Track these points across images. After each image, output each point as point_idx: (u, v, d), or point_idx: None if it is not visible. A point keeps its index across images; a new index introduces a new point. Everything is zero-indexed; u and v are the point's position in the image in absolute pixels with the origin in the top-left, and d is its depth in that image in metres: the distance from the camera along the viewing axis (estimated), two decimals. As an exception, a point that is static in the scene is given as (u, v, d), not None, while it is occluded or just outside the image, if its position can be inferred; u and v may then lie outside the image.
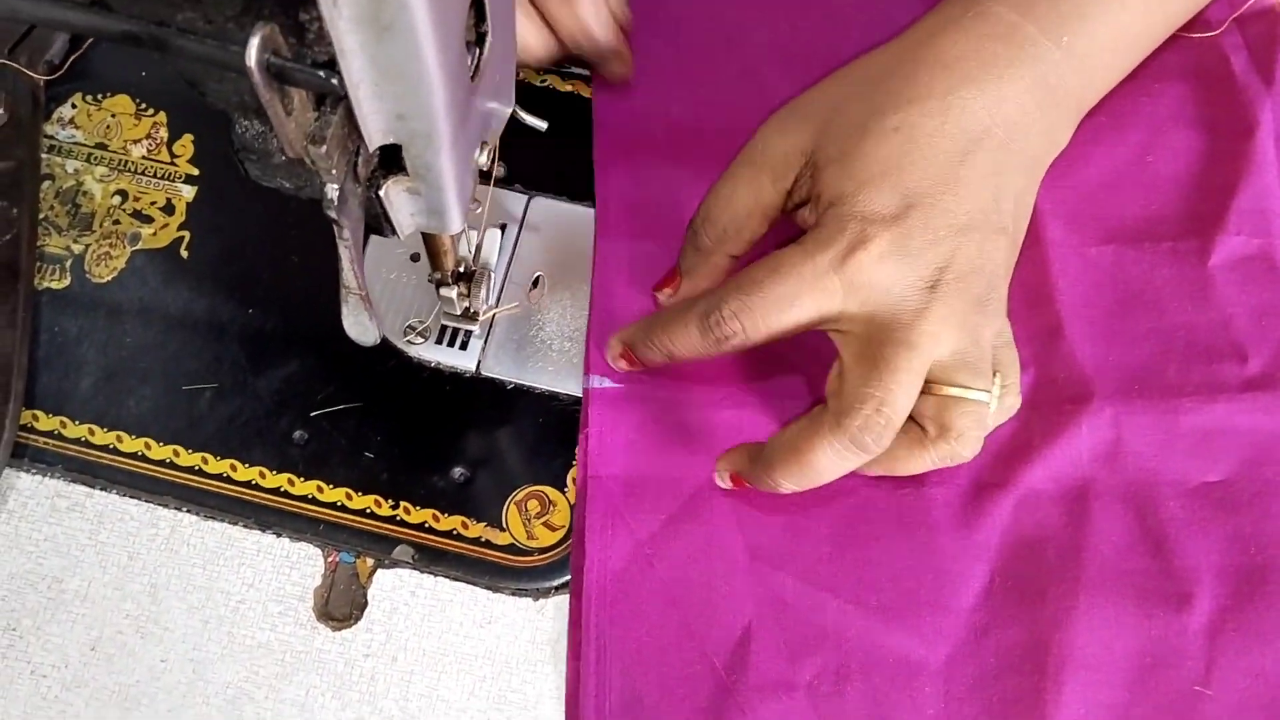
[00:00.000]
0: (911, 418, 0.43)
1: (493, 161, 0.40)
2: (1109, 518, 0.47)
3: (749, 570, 0.47)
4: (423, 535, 0.49)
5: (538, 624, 0.48)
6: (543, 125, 0.44)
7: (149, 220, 0.54)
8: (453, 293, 0.47)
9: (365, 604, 0.48)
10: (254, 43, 0.28)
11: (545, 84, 0.57)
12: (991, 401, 0.42)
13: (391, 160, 0.36)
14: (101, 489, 0.49)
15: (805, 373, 0.50)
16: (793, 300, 0.42)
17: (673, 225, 0.51)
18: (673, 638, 0.46)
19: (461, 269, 0.48)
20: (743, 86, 0.56)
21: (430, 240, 0.44)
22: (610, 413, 0.49)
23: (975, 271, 0.42)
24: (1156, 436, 0.47)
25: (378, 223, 0.38)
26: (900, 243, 0.41)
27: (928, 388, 0.42)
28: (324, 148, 0.32)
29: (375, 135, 0.33)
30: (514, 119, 0.44)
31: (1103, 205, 0.52)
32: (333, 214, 0.34)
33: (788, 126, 0.46)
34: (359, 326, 0.40)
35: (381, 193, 0.36)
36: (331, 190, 0.34)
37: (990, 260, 0.42)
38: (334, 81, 0.30)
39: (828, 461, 0.42)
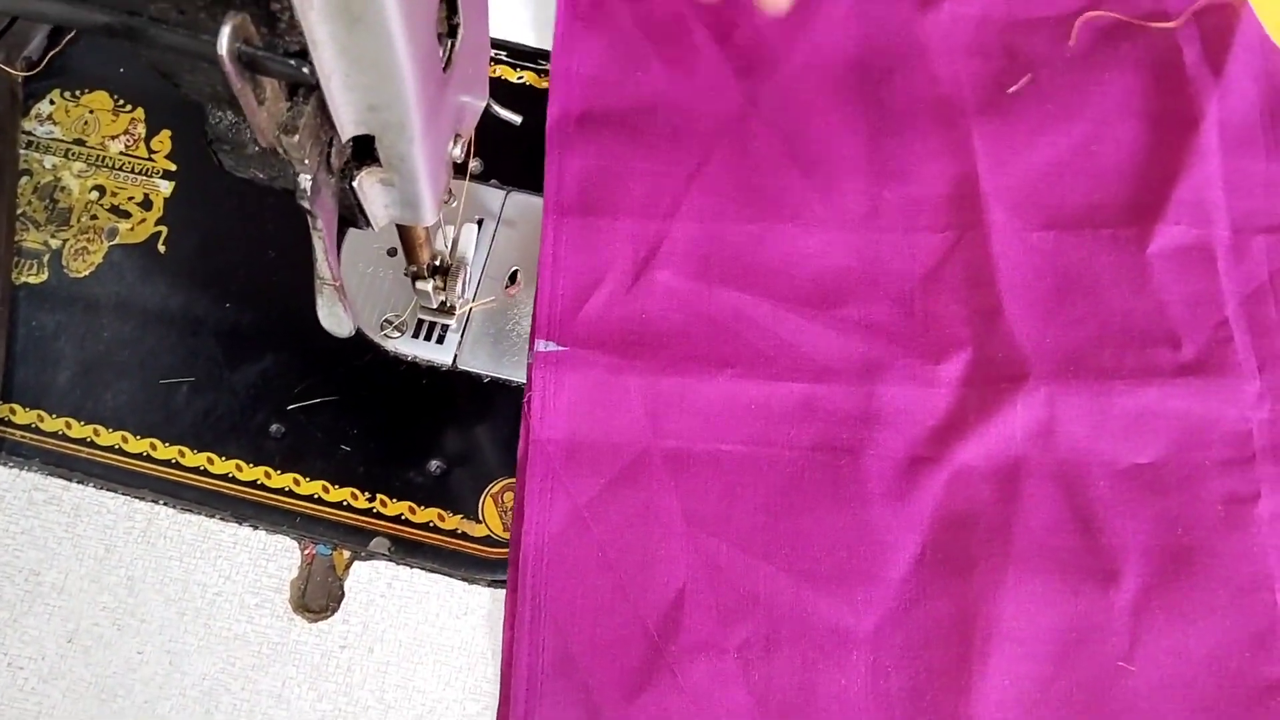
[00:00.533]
0: None
1: (468, 155, 0.41)
2: (1040, 495, 0.47)
3: (685, 535, 0.47)
4: (399, 527, 0.49)
5: (513, 615, 0.48)
6: (517, 119, 0.45)
7: (126, 215, 0.54)
8: (428, 286, 0.48)
9: (342, 595, 0.48)
10: (225, 31, 0.29)
11: (521, 80, 0.58)
12: None
13: (365, 151, 0.36)
14: (79, 482, 0.49)
15: (745, 342, 0.50)
16: None
17: (622, 200, 0.51)
18: (607, 600, 0.46)
19: (438, 262, 0.48)
20: (700, 65, 0.56)
21: (405, 233, 0.44)
22: (553, 375, 0.50)
23: None
24: (1089, 417, 0.48)
25: (352, 214, 0.39)
26: None
27: None
28: (296, 137, 0.32)
29: (348, 126, 0.34)
30: (489, 113, 0.44)
31: (1047, 192, 0.53)
32: (306, 204, 0.35)
33: None
34: (333, 318, 0.40)
35: (355, 184, 0.37)
36: (305, 180, 0.34)
37: None
38: (305, 71, 0.30)
39: None
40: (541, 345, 0.50)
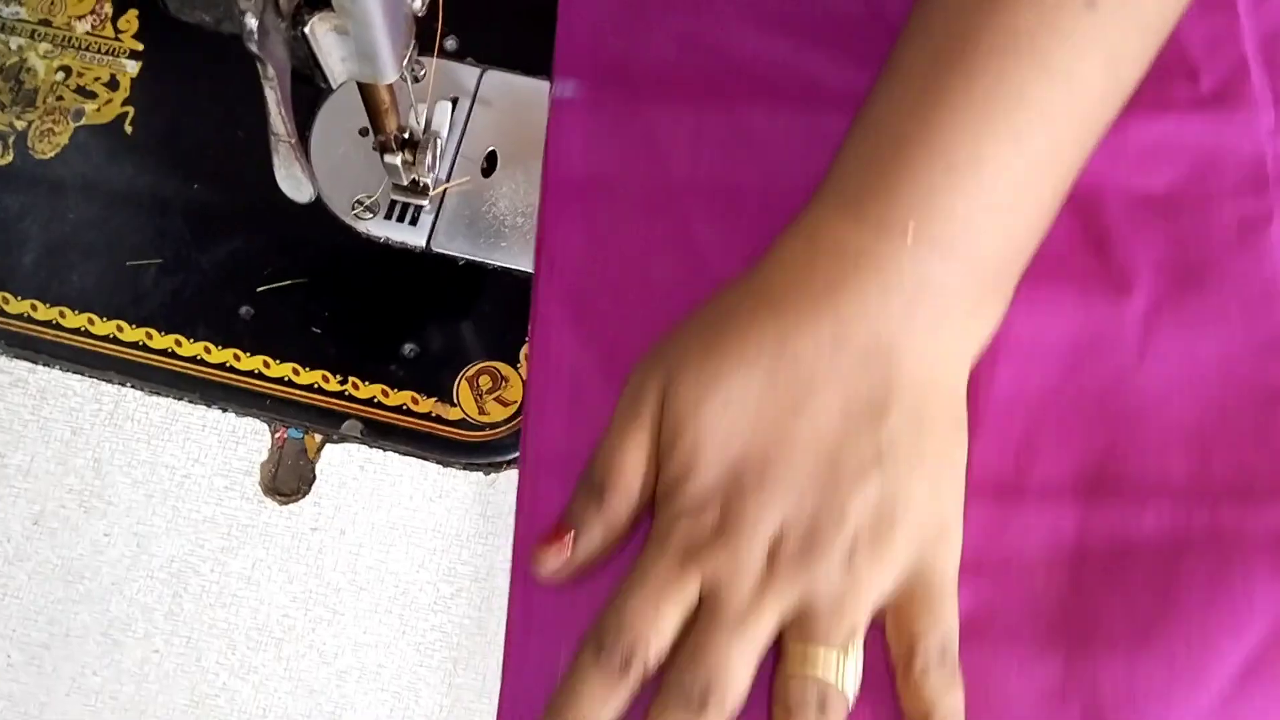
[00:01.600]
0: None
1: (440, 30, 0.39)
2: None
3: (707, 267, 0.47)
4: (372, 410, 0.48)
5: (489, 498, 0.47)
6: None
7: (93, 96, 0.53)
8: (397, 160, 0.46)
9: (313, 478, 0.47)
10: None
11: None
12: (836, 673, 0.38)
13: (317, -3, 0.35)
14: (44, 364, 0.48)
15: (767, 80, 0.50)
16: (657, 608, 0.39)
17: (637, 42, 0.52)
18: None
19: (407, 135, 0.46)
20: None
21: (368, 96, 0.42)
22: (570, 118, 0.50)
23: (818, 530, 0.39)
24: (1105, 146, 0.47)
25: (309, 68, 0.37)
26: (732, 524, 0.39)
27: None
28: (238, -30, 0.31)
29: (293, -40, 0.32)
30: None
31: None
32: (254, 48, 0.33)
33: (649, 377, 0.42)
34: (292, 180, 0.39)
35: (307, 30, 0.35)
36: (251, 21, 0.33)
37: (848, 514, 0.39)
38: (240, -110, 0.29)
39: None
40: (559, 89, 0.51)
